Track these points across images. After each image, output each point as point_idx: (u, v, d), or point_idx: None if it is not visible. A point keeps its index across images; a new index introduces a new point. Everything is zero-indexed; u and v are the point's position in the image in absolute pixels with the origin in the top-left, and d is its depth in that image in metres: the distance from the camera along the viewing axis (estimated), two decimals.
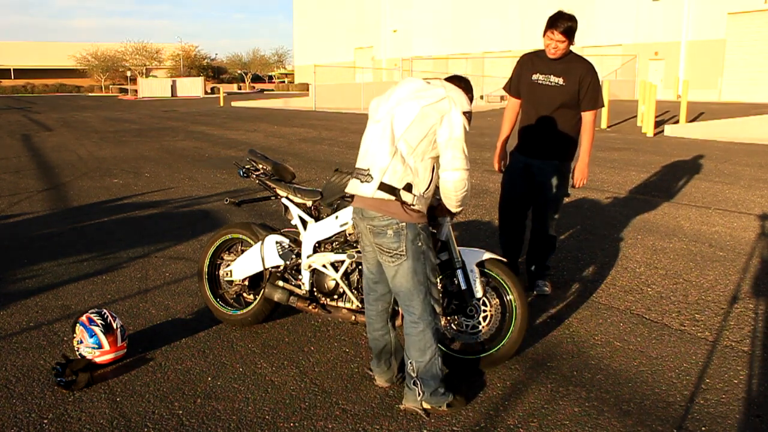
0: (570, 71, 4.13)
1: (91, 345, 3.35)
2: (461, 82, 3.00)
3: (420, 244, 2.82)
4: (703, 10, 29.25)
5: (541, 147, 4.27)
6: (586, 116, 4.22)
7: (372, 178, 2.77)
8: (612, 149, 12.60)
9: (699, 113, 19.77)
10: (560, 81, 4.14)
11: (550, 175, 4.26)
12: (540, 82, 4.21)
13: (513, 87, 4.45)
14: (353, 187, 2.87)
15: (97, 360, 3.35)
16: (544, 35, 4.11)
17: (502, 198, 4.52)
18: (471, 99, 2.94)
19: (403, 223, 2.76)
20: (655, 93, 15.83)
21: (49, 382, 3.23)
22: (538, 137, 4.26)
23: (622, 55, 32.43)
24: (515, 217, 4.50)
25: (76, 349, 3.40)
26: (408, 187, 2.74)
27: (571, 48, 4.16)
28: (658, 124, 16.75)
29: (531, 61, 4.29)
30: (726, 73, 28.76)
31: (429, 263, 2.88)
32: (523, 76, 4.32)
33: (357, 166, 2.89)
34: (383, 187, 2.74)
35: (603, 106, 4.21)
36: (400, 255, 2.79)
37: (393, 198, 2.74)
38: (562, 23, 4.00)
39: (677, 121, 17.05)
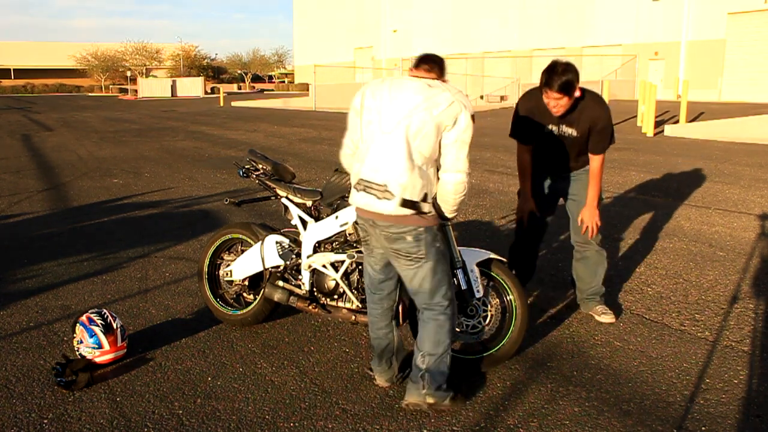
0: (581, 121, 3.75)
1: (91, 345, 3.35)
2: (436, 64, 2.89)
3: (438, 244, 2.83)
4: (703, 10, 29.25)
5: (570, 167, 4.00)
6: (594, 161, 3.84)
7: (393, 195, 2.67)
8: (612, 149, 12.61)
9: (699, 113, 19.78)
10: (573, 132, 3.79)
11: (585, 182, 3.96)
12: (555, 133, 3.85)
13: (524, 136, 3.94)
14: (366, 203, 2.74)
15: (97, 360, 3.35)
16: (541, 90, 3.68)
17: (525, 223, 4.08)
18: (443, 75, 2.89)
19: (422, 228, 2.74)
20: (655, 93, 15.83)
21: (49, 382, 3.23)
22: (567, 164, 3.99)
23: (622, 55, 32.45)
24: (536, 239, 4.18)
25: (76, 349, 3.40)
26: (425, 197, 2.72)
27: (581, 85, 3.69)
28: (658, 124, 16.75)
29: (540, 110, 3.80)
30: (726, 73, 28.77)
31: (447, 259, 2.91)
32: (536, 126, 3.88)
33: (367, 178, 2.74)
34: (405, 203, 2.68)
35: (613, 143, 3.87)
36: (420, 258, 2.78)
37: (414, 212, 2.71)
38: (556, 81, 3.54)
39: (677, 121, 17.05)
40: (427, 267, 2.80)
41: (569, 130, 3.81)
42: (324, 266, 3.52)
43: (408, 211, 2.70)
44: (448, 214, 2.88)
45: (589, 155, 3.88)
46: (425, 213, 2.73)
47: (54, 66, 75.48)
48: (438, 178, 2.78)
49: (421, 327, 2.93)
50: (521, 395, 3.10)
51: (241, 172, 3.86)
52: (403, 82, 2.76)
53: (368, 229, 2.84)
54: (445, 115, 2.67)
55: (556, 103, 3.65)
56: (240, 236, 3.93)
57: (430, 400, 2.91)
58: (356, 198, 2.80)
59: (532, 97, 3.85)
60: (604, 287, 4.10)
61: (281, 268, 3.72)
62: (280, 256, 3.69)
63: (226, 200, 3.96)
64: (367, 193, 2.73)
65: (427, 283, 2.83)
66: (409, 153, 2.67)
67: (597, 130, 3.76)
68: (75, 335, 3.42)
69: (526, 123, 3.92)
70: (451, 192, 2.76)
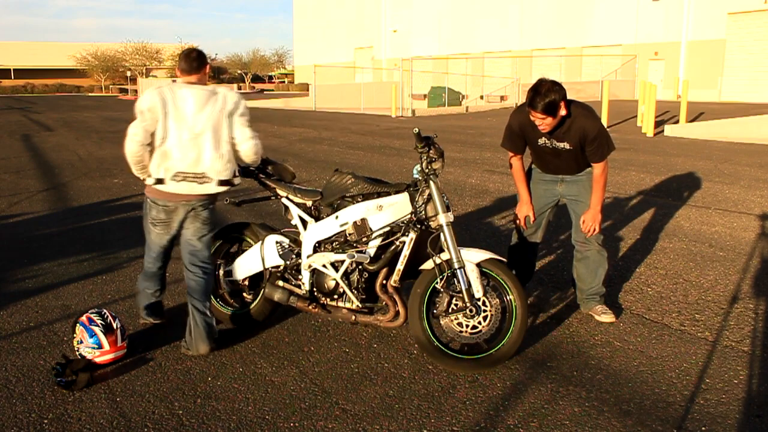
0: (570, 135, 3.79)
1: (91, 345, 3.35)
2: (205, 65, 3.55)
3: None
4: (703, 10, 29.25)
5: (570, 172, 4.04)
6: (596, 168, 3.88)
7: (212, 179, 3.43)
8: None
9: (699, 113, 19.78)
10: (566, 146, 3.83)
11: (587, 183, 4.00)
12: (547, 146, 3.90)
13: (517, 146, 4.03)
14: (188, 189, 3.44)
15: (97, 360, 3.35)
16: (528, 107, 3.70)
17: (524, 226, 4.13)
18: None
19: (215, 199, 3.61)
20: (655, 93, 15.83)
21: (49, 382, 3.23)
22: (566, 170, 4.02)
23: (622, 55, 32.44)
24: (535, 240, 4.20)
25: (76, 349, 3.40)
26: (234, 174, 3.54)
27: (569, 97, 3.73)
28: (658, 124, 16.76)
29: (531, 124, 3.82)
30: (726, 73, 28.77)
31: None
32: (528, 139, 3.96)
33: (185, 170, 3.40)
34: (222, 183, 3.47)
35: (613, 149, 3.89)
36: (212, 222, 3.65)
37: (229, 187, 3.51)
38: (539, 102, 3.57)
39: (677, 121, 17.05)
40: (212, 229, 3.68)
41: (561, 144, 3.85)
42: (324, 266, 3.53)
43: (225, 188, 3.50)
44: (251, 162, 3.64)
45: (592, 164, 3.90)
46: (236, 185, 3.59)
47: (54, 66, 75.44)
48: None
49: (198, 283, 3.54)
50: (521, 395, 3.10)
51: (241, 172, 3.86)
52: (196, 92, 3.43)
53: (176, 209, 3.54)
54: (231, 106, 3.47)
55: (541, 122, 3.70)
56: (240, 236, 3.93)
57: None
58: (175, 186, 3.43)
59: (524, 110, 3.86)
60: (605, 287, 4.10)
61: (281, 268, 3.72)
62: (280, 256, 3.70)
63: (226, 200, 3.96)
64: (188, 182, 3.43)
65: (209, 241, 3.67)
66: (216, 146, 3.43)
67: (589, 141, 3.78)
68: (75, 335, 3.42)
69: (517, 136, 3.99)
70: (251, 154, 3.55)
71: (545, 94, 3.57)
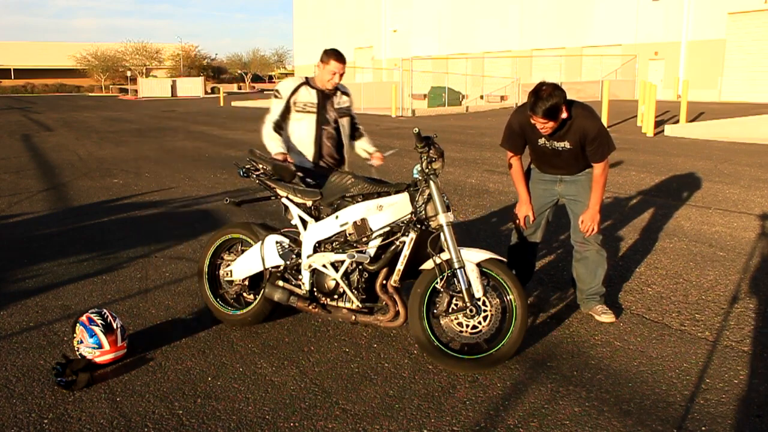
0: (570, 135, 3.79)
1: (91, 345, 3.35)
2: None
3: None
4: (703, 10, 29.24)
5: (570, 172, 4.04)
6: (596, 168, 3.88)
7: None
8: None
9: (699, 113, 19.78)
10: (566, 145, 3.83)
11: (586, 184, 4.00)
12: (547, 146, 3.89)
13: (517, 146, 4.03)
14: None
15: (97, 360, 3.35)
16: (529, 112, 3.69)
17: (523, 226, 4.14)
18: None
19: None
20: (655, 93, 15.83)
21: (49, 382, 3.23)
22: (566, 170, 4.02)
23: (621, 55, 32.44)
24: (535, 240, 4.20)
25: (76, 349, 3.40)
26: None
27: (569, 98, 3.71)
28: (658, 124, 16.75)
29: (531, 125, 3.81)
30: (726, 73, 28.76)
31: None
32: (528, 139, 3.96)
33: None
34: None
35: (614, 149, 3.89)
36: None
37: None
38: (541, 107, 3.56)
39: (677, 121, 17.05)
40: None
41: (561, 144, 3.85)
42: (324, 266, 3.53)
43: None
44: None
45: (592, 164, 3.90)
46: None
47: (54, 66, 75.48)
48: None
49: None
50: (521, 395, 3.10)
51: (241, 172, 3.86)
52: None
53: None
54: None
55: (542, 125, 3.70)
56: (240, 236, 3.93)
57: None
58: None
59: (524, 110, 3.84)
60: (605, 287, 4.10)
61: (281, 268, 3.72)
62: (280, 256, 3.69)
63: (226, 200, 3.96)
64: None
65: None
66: None
67: (589, 140, 3.78)
68: (75, 335, 3.42)
69: (518, 135, 3.99)
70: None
71: (546, 99, 3.56)
